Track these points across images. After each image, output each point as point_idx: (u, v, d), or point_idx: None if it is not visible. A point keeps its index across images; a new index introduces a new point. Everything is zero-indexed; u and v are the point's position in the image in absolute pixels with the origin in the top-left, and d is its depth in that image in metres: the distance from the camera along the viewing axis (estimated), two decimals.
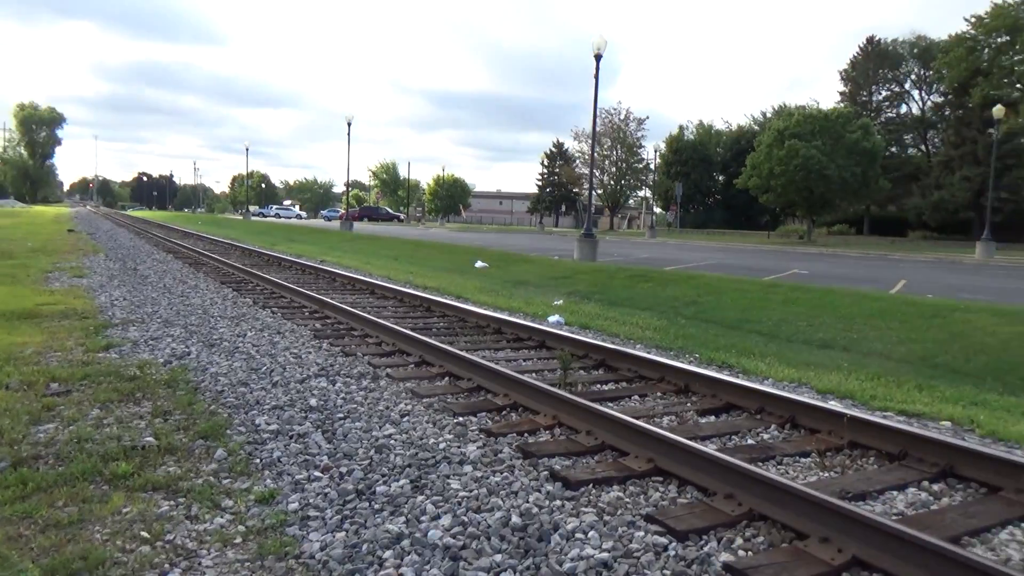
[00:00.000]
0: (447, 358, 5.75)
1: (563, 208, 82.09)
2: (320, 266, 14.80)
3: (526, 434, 4.27)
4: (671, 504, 3.37)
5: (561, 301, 11.69)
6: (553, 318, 9.72)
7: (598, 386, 5.63)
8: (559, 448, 3.97)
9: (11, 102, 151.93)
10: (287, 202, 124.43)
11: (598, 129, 63.62)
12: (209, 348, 6.75)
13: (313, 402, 4.93)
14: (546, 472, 3.65)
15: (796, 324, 9.39)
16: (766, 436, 4.48)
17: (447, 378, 5.54)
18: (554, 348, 6.91)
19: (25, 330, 7.57)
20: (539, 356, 6.67)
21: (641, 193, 70.03)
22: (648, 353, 7.00)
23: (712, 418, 4.86)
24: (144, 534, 3.17)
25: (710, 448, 3.83)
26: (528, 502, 3.32)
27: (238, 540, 3.17)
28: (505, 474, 3.64)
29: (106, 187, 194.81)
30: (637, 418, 4.53)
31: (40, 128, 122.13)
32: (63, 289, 10.80)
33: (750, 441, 4.38)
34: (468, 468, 3.70)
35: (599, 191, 66.44)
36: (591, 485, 3.51)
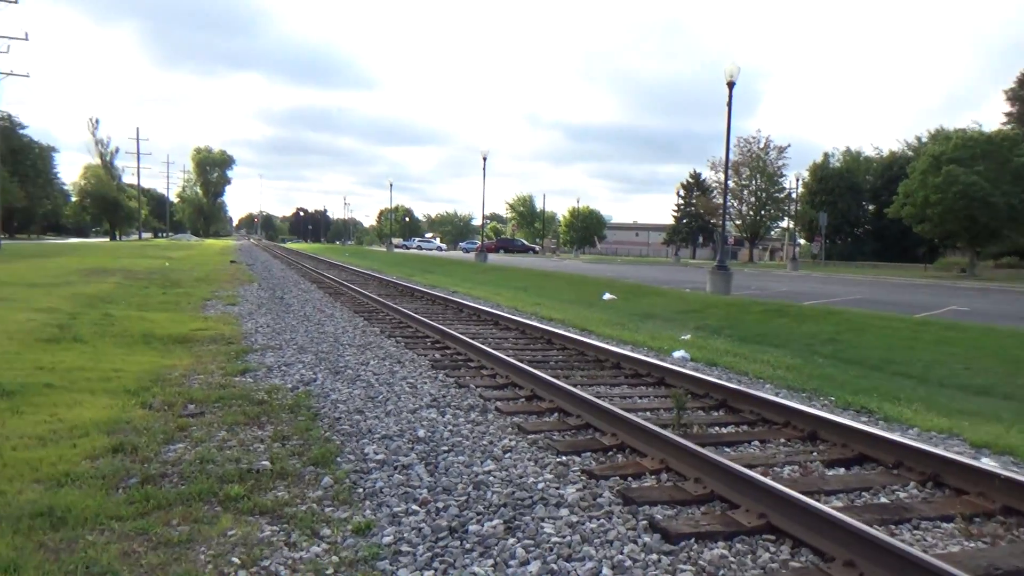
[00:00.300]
0: (558, 393, 5.62)
1: (700, 239, 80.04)
2: (450, 297, 15.12)
3: (630, 478, 4.05)
4: (781, 568, 3.04)
5: (689, 336, 11.27)
6: (678, 353, 9.36)
7: (716, 429, 5.29)
8: (663, 495, 3.73)
9: (190, 147, 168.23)
10: (428, 235, 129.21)
11: (736, 158, 61.99)
12: (334, 375, 6.98)
13: (421, 433, 4.95)
14: (645, 521, 3.42)
15: (950, 367, 8.51)
16: (903, 495, 4.01)
17: (556, 414, 5.40)
18: (673, 386, 6.61)
19: (177, 353, 8.16)
20: (656, 394, 6.40)
21: (783, 224, 66.99)
22: (775, 395, 6.55)
23: (841, 471, 4.42)
24: (243, 559, 3.24)
25: (833, 506, 3.46)
26: (622, 553, 3.12)
27: (330, 571, 3.17)
28: (602, 521, 3.44)
29: (268, 222, 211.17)
30: (753, 467, 4.20)
31: (213, 169, 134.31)
32: (216, 316, 11.61)
33: (883, 500, 3.93)
34: (564, 512, 3.54)
35: (737, 222, 64.21)
36: (693, 539, 3.25)
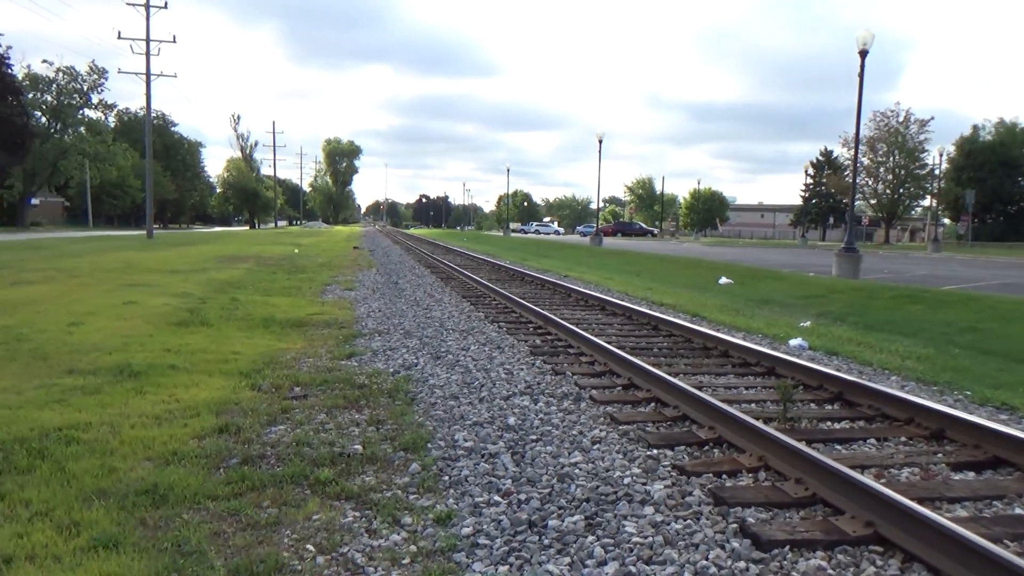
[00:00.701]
0: (656, 382, 5.38)
1: (831, 221, 75.76)
2: (559, 281, 15.00)
3: (724, 476, 3.79)
4: None
5: (808, 323, 10.61)
6: (794, 342, 8.81)
7: (827, 424, 4.89)
8: (758, 496, 3.45)
9: (321, 138, 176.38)
10: (546, 219, 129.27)
11: (871, 133, 57.97)
12: (435, 360, 7.03)
13: (511, 421, 4.86)
14: (736, 524, 3.18)
15: None
16: None
17: (652, 404, 5.17)
18: (784, 376, 6.20)
19: (292, 337, 8.50)
20: (764, 385, 6.02)
21: (924, 203, 62.22)
22: (899, 389, 6.01)
23: (970, 475, 3.96)
24: (323, 544, 3.27)
25: (956, 517, 3.08)
26: (707, 559, 2.89)
27: (406, 560, 3.14)
28: (688, 521, 3.22)
29: (393, 209, 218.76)
30: (864, 468, 3.83)
31: (342, 159, 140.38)
32: (333, 301, 12.04)
33: (1018, 511, 3.48)
34: (649, 510, 3.35)
35: (872, 201, 60.22)
36: (787, 547, 2.98)
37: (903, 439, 4.55)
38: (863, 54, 17.30)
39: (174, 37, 40.41)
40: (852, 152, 60.17)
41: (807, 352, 8.21)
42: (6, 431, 4.59)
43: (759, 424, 4.12)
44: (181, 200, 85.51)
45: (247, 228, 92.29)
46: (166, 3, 39.00)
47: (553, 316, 8.88)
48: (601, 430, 4.58)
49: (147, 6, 38.29)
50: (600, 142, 37.75)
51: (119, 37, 38.97)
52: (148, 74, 39.20)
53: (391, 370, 6.66)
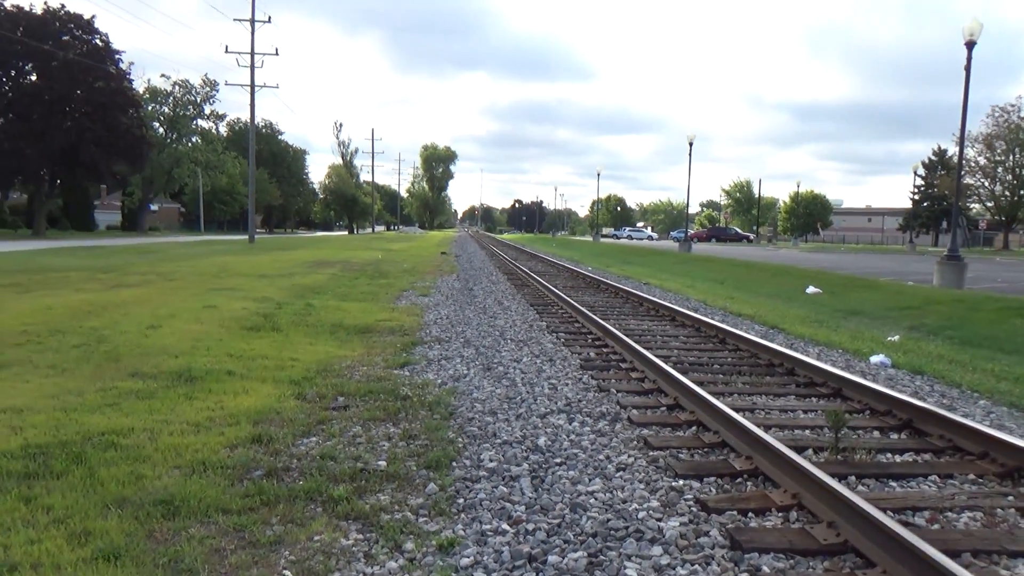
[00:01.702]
0: (701, 404, 5.06)
1: (944, 225, 71.13)
2: (635, 290, 14.64)
3: (750, 514, 3.47)
4: None
5: (897, 337, 9.88)
6: (877, 359, 8.21)
7: (887, 457, 4.45)
8: (781, 541, 3.12)
9: (420, 144, 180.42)
10: (639, 224, 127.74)
11: (989, 131, 53.97)
12: (484, 372, 6.92)
13: (541, 441, 4.67)
14: (747, 574, 2.88)
15: None
16: None
17: (694, 428, 4.86)
18: (852, 400, 5.73)
19: (353, 344, 8.58)
20: (827, 408, 5.57)
21: None
22: (984, 415, 5.44)
23: None
24: (318, 568, 3.19)
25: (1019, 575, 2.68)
26: None
27: None
28: (696, 567, 2.94)
29: (488, 214, 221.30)
30: (917, 510, 3.43)
31: (438, 165, 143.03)
32: (405, 307, 12.15)
33: None
34: (657, 550, 3.08)
35: (989, 204, 56.11)
36: None
37: (971, 476, 4.07)
38: (970, 46, 16.08)
39: (276, 50, 42.36)
40: (967, 150, 56.33)
41: (889, 370, 7.62)
42: (54, 434, 4.77)
43: (797, 457, 3.76)
44: (286, 206, 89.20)
45: (346, 233, 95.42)
46: (269, 18, 41.26)
47: (614, 328, 8.61)
48: (630, 455, 4.32)
49: (252, 21, 40.33)
50: (691, 144, 36.81)
51: (226, 51, 41.19)
52: (252, 86, 41.17)
53: (439, 381, 6.59)
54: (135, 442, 4.69)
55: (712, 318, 10.75)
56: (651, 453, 4.37)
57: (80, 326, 8.90)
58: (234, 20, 40.46)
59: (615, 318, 10.65)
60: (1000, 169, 55.30)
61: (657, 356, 6.97)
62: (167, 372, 6.65)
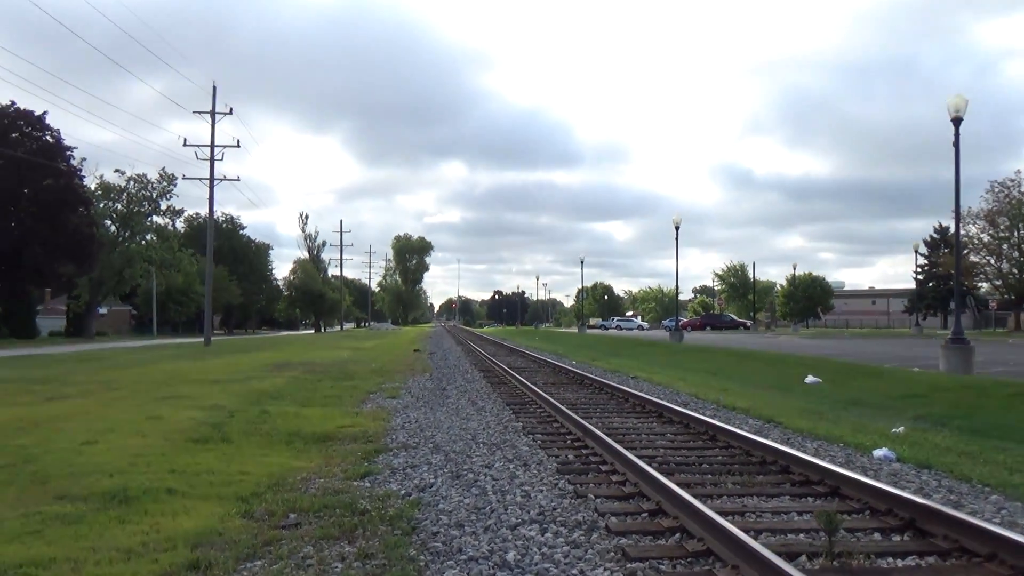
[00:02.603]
0: (685, 509, 5.00)
1: (951, 306, 72.39)
2: (621, 385, 14.66)
3: None
4: None
5: (902, 429, 9.90)
6: (880, 452, 8.21)
7: (887, 561, 4.39)
8: None
9: (392, 234, 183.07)
10: (629, 313, 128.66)
11: (990, 207, 55.75)
12: (453, 480, 6.82)
13: (510, 556, 4.57)
14: None
15: None
16: None
17: (677, 535, 4.79)
18: (850, 499, 5.70)
19: (311, 454, 8.45)
20: (821, 510, 5.53)
21: None
22: (995, 511, 5.42)
23: None
24: None
25: None
26: None
27: None
28: None
29: (466, 307, 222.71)
30: None
31: (412, 256, 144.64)
32: (370, 411, 12.04)
33: None
34: None
35: (996, 282, 57.36)
36: None
37: None
38: (957, 122, 16.86)
39: (238, 141, 43.27)
40: (967, 227, 57.95)
41: (893, 465, 7.60)
42: None
43: (787, 565, 3.71)
44: (247, 304, 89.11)
45: (312, 332, 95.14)
46: (231, 110, 42.15)
47: (596, 428, 8.59)
48: (606, 568, 4.23)
49: (212, 113, 41.42)
50: (677, 228, 37.66)
51: (185, 144, 42.04)
52: (211, 179, 41.89)
53: (403, 492, 6.48)
54: (56, 574, 4.53)
55: (703, 413, 10.74)
56: (629, 565, 4.28)
57: (6, 445, 8.71)
58: (194, 112, 41.41)
59: (598, 416, 10.61)
60: (1005, 246, 56.79)
61: (640, 457, 6.92)
62: (99, 493, 6.48)
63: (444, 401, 13.06)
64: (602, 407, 11.80)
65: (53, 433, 9.57)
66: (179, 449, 8.62)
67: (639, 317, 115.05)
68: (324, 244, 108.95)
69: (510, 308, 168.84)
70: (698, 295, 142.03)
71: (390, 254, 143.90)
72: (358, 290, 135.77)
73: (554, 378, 17.43)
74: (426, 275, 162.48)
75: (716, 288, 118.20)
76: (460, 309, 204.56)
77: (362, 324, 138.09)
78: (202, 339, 42.09)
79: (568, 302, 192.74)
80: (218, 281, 65.61)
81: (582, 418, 9.56)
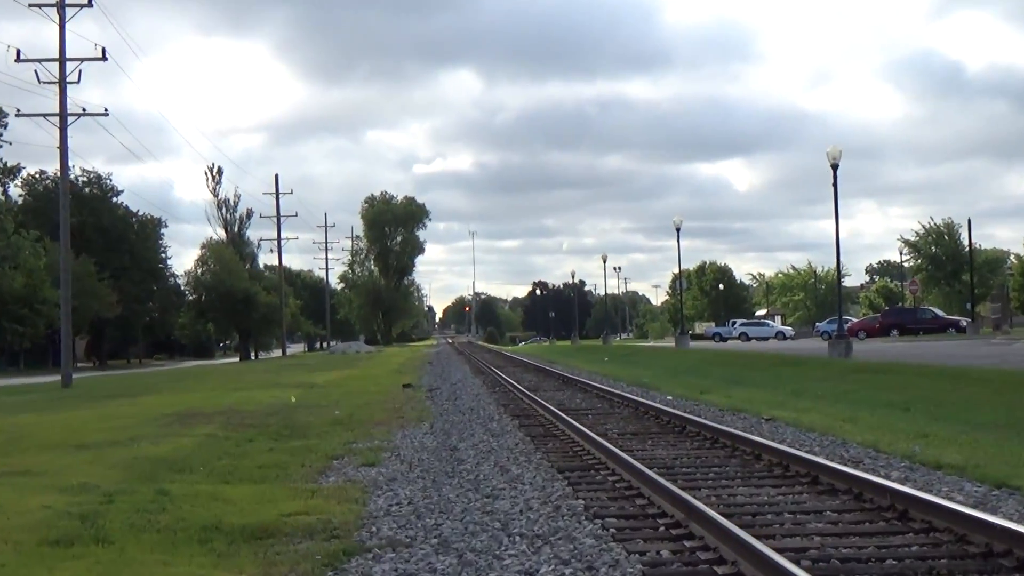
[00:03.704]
0: None
1: None
2: (745, 433, 14.80)
3: None
4: None
5: None
6: None
7: None
8: None
9: (359, 197, 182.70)
10: (761, 312, 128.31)
11: None
12: None
13: None
14: None
15: None
16: None
17: None
18: None
19: (240, 561, 8.62)
20: None
21: None
22: None
23: None
24: None
25: None
26: None
27: None
28: None
29: (488, 309, 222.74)
30: None
31: (395, 230, 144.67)
32: (333, 487, 12.24)
33: None
34: None
35: None
36: None
37: None
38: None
39: (104, 52, 43.43)
40: None
41: None
42: None
43: None
44: (129, 318, 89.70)
45: (237, 360, 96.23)
46: (90, 1, 42.20)
47: (704, 505, 8.67)
48: None
49: (61, 6, 41.49)
50: (835, 169, 37.40)
51: (18, 59, 42.49)
52: (63, 115, 42.32)
53: None
54: None
55: (886, 475, 10.79)
56: None
57: None
58: (31, 6, 41.84)
59: (709, 485, 10.78)
60: None
61: (782, 550, 6.99)
62: None
63: (455, 469, 13.23)
64: (714, 470, 12.00)
65: None
66: (28, 557, 8.82)
67: (778, 319, 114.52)
68: (251, 215, 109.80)
69: (561, 310, 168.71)
70: (876, 278, 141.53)
71: (359, 228, 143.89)
72: (310, 289, 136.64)
73: (635, 425, 17.59)
74: (420, 260, 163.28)
75: (906, 265, 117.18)
76: (479, 314, 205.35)
77: (318, 344, 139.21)
78: (59, 377, 42.55)
79: (659, 297, 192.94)
80: (81, 281, 65.83)
81: (683, 488, 9.64)
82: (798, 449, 12.94)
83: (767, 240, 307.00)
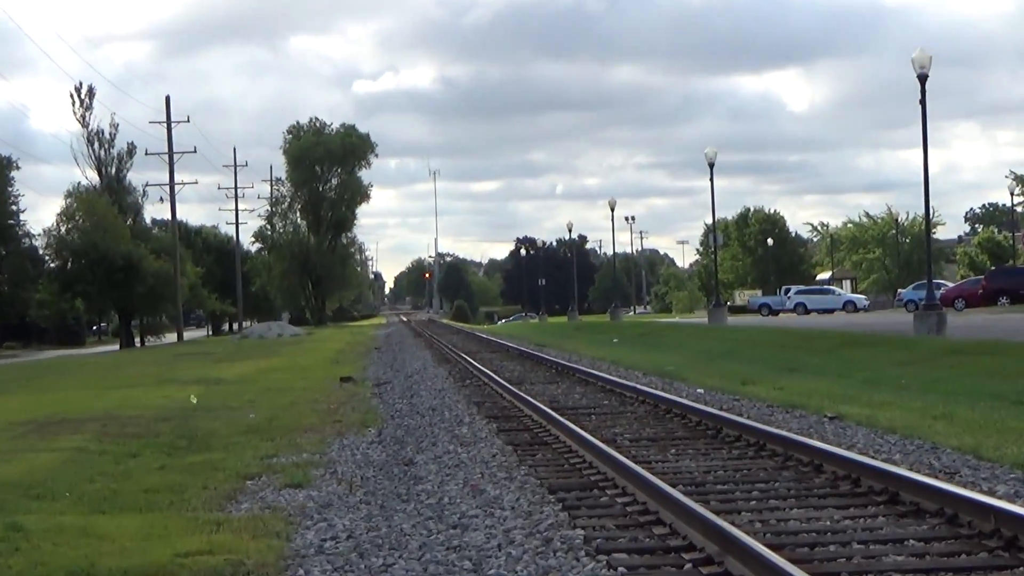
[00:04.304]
0: None
1: None
2: (802, 438, 14.82)
3: None
4: None
5: None
6: None
7: None
8: None
9: (282, 126, 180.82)
10: (823, 276, 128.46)
11: None
12: None
13: None
14: None
15: None
16: None
17: None
18: None
19: None
20: None
21: None
22: None
23: None
24: None
25: None
26: None
27: None
28: None
29: (456, 276, 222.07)
30: None
31: (330, 170, 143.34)
32: (247, 517, 12.26)
33: None
34: None
35: None
36: None
37: None
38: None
39: None
40: None
41: None
42: None
43: None
44: None
45: (117, 348, 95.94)
46: None
47: (750, 539, 8.67)
48: None
49: None
50: (923, 82, 37.34)
51: None
52: None
53: None
54: None
55: (990, 490, 10.86)
56: None
57: None
58: None
59: (752, 508, 10.87)
60: None
61: None
62: None
63: (412, 489, 13.25)
64: (763, 486, 12.16)
65: None
66: None
67: (846, 285, 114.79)
68: (133, 153, 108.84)
69: (554, 276, 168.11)
70: (978, 228, 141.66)
71: (281, 168, 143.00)
72: (215, 252, 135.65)
73: (655, 428, 17.84)
74: (363, 211, 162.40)
75: (1019, 210, 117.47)
76: (443, 283, 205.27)
77: (228, 327, 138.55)
78: None
79: (686, 257, 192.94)
80: None
81: (718, 512, 9.72)
82: (872, 457, 12.98)
83: (832, 178, 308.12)
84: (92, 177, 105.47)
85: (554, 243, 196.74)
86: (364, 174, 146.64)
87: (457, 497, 12.41)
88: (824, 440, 14.73)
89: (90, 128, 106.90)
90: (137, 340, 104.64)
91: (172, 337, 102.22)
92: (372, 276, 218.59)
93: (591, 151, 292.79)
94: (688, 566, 8.77)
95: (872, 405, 19.70)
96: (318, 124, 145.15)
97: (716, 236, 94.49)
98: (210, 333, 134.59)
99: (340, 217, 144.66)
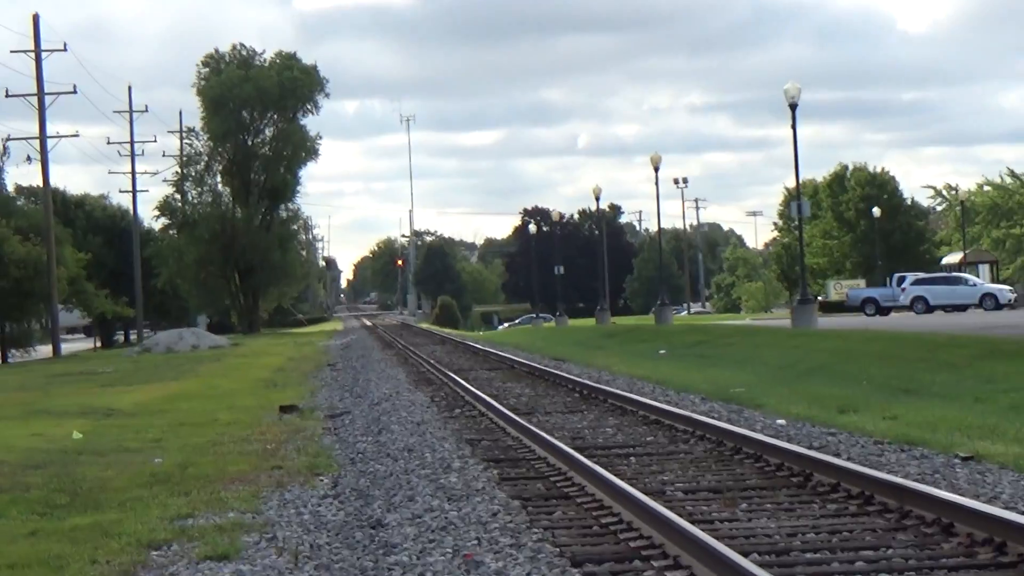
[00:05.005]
0: None
1: None
2: (923, 487, 14.83)
3: None
4: None
5: None
6: None
7: None
8: None
9: (192, 58, 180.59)
10: (950, 259, 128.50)
11: None
12: None
13: None
14: None
15: None
16: None
17: None
18: None
19: None
20: None
21: None
22: None
23: None
24: None
25: None
26: None
27: None
28: None
29: (440, 262, 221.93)
30: None
31: (264, 116, 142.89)
32: None
33: None
34: None
35: None
36: None
37: None
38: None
39: None
40: None
41: None
42: None
43: None
44: None
45: None
46: None
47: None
48: None
49: None
50: None
51: None
52: None
53: None
54: None
55: None
56: None
57: None
58: None
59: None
60: None
61: None
62: None
63: (379, 562, 13.27)
64: (870, 553, 12.14)
65: None
66: None
67: (983, 271, 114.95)
68: None
69: (576, 261, 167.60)
70: None
71: (195, 114, 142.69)
72: (104, 232, 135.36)
73: (718, 474, 17.94)
74: (310, 173, 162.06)
75: None
76: (422, 272, 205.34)
77: (123, 335, 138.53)
78: None
79: (759, 235, 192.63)
80: None
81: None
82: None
83: (961, 124, 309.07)
84: None
85: (575, 216, 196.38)
86: (310, 122, 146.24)
87: (444, 572, 12.42)
88: (956, 490, 14.69)
89: None
90: (6, 352, 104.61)
91: (46, 350, 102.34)
92: (322, 264, 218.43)
93: (625, 88, 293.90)
94: None
95: (1022, 441, 19.71)
96: (245, 53, 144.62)
97: (802, 205, 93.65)
98: (98, 345, 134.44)
99: (277, 182, 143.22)
